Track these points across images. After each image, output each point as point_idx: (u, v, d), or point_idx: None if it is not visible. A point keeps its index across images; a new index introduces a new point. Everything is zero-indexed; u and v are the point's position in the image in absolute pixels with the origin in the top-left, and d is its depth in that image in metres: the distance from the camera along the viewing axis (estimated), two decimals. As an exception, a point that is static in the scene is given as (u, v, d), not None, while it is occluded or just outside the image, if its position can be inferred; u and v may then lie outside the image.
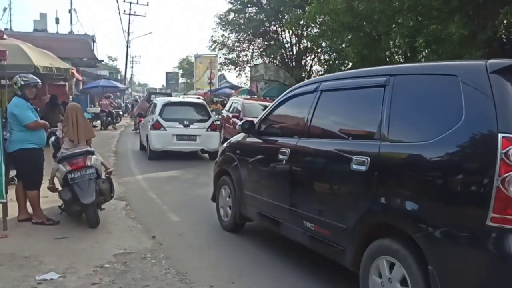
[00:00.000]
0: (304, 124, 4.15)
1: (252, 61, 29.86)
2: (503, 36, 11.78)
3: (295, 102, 4.64)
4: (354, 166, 3.30)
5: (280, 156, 4.26)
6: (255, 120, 5.19)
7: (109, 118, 20.67)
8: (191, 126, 11.43)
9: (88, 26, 79.96)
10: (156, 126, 11.34)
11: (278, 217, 4.39)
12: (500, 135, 2.44)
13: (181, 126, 11.38)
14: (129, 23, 48.36)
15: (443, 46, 12.12)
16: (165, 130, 11.29)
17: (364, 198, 3.26)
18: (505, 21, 10.96)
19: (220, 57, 34.34)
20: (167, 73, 72.02)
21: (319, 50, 23.72)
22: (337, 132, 3.88)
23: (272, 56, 27.80)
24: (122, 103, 37.46)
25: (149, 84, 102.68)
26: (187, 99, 16.64)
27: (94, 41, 31.98)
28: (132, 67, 63.23)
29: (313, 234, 3.81)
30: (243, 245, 5.03)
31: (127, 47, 41.20)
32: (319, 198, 3.86)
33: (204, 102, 13.99)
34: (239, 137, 5.47)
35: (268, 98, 20.51)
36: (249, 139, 5.16)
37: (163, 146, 11.31)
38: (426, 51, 14.35)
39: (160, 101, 12.53)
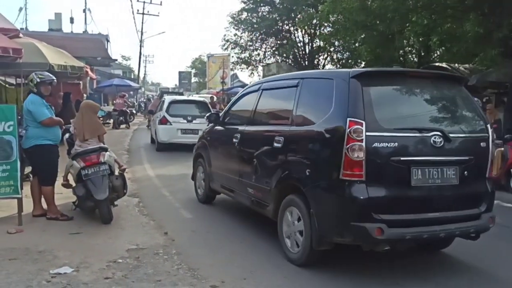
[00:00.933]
0: (250, 114, 5.46)
1: (265, 60, 29.85)
2: (519, 34, 11.58)
3: (247, 98, 5.86)
4: (275, 144, 4.61)
5: (234, 140, 5.52)
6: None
7: (121, 118, 20.66)
8: (193, 121, 12.53)
9: (102, 25, 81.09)
10: (163, 121, 12.61)
11: (232, 187, 5.69)
12: (348, 119, 3.72)
13: (185, 121, 12.58)
14: (142, 22, 48.40)
15: (457, 44, 12.00)
16: (171, 124, 12.51)
17: (280, 166, 4.54)
18: (521, 19, 10.78)
19: (232, 56, 34.38)
20: (180, 72, 72.20)
21: (332, 49, 23.63)
22: (268, 120, 5.28)
23: (284, 55, 27.76)
24: (135, 102, 37.71)
25: (162, 83, 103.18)
26: (191, 97, 18.39)
27: (108, 41, 32.30)
28: (145, 66, 63.65)
29: (252, 197, 5.11)
30: (255, 242, 5.04)
31: (140, 46, 41.39)
32: (255, 169, 5.03)
33: (206, 100, 15.04)
34: (210, 126, 6.66)
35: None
36: (216, 128, 6.38)
37: (169, 139, 12.55)
38: (440, 49, 14.21)
39: (167, 99, 13.79)
